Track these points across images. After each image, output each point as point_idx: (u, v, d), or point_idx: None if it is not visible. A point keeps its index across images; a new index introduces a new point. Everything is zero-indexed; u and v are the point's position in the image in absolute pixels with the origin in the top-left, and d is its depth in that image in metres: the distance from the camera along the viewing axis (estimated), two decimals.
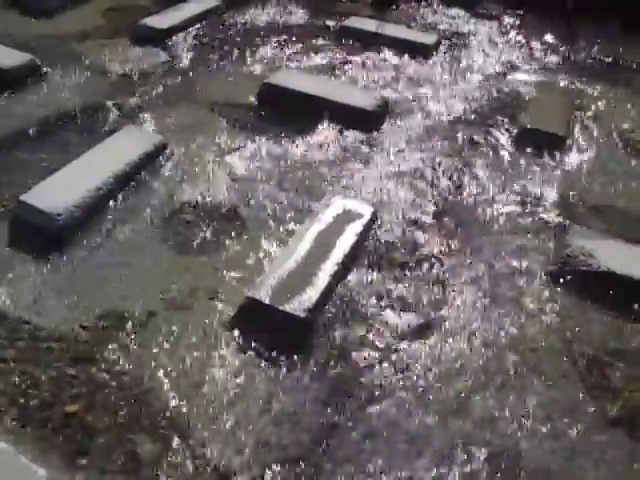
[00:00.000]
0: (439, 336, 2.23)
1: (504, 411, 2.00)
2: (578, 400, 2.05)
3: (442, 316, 2.31)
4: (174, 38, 4.15)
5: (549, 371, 2.14)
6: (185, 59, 3.95)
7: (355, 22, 4.50)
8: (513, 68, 4.15)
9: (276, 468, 1.79)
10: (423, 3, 5.00)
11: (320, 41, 4.30)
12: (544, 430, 1.95)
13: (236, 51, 4.09)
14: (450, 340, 2.22)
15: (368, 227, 2.59)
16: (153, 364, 2.05)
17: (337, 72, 3.93)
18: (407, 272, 2.48)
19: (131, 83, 3.63)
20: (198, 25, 4.35)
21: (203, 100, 3.54)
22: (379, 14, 4.75)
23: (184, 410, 1.93)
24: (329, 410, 1.96)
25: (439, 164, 3.15)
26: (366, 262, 2.50)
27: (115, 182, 2.71)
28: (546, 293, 2.44)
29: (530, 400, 2.04)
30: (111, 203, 2.68)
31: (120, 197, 2.72)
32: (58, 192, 2.57)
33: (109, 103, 3.41)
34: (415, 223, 2.74)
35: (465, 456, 1.86)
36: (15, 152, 2.99)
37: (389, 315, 2.30)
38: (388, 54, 4.14)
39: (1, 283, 2.29)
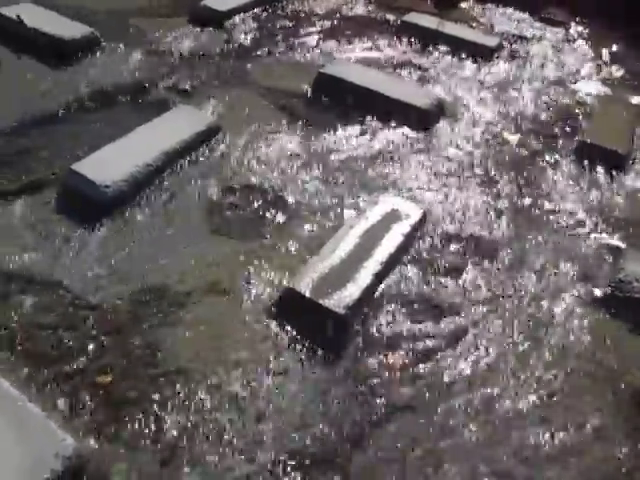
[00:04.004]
0: (475, 347, 2.16)
1: (541, 438, 1.92)
2: (617, 433, 1.95)
3: (480, 328, 2.24)
4: (233, 21, 4.14)
5: (590, 402, 2.04)
6: (242, 42, 3.93)
7: (415, 18, 4.41)
8: (577, 78, 4.00)
9: (299, 464, 1.76)
10: (487, 4, 4.86)
11: (379, 35, 4.23)
12: (579, 459, 1.86)
13: (293, 38, 4.06)
14: (486, 352, 2.15)
15: (416, 228, 2.52)
16: (188, 345, 2.05)
17: (394, 67, 3.86)
18: (451, 279, 2.41)
19: (187, 63, 3.64)
20: (258, 9, 4.33)
21: (257, 85, 3.52)
22: (441, 12, 4.63)
23: (215, 395, 1.91)
24: (359, 409, 1.92)
25: (492, 170, 3.05)
26: (411, 264, 2.44)
27: (165, 160, 2.71)
28: (594, 318, 2.33)
29: (569, 429, 1.95)
30: (159, 180, 2.69)
31: (169, 175, 2.73)
32: (109, 164, 2.58)
33: (164, 81, 3.42)
34: (465, 229, 2.65)
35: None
36: (69, 122, 3.02)
37: (428, 320, 2.23)
38: (447, 53, 4.04)
39: (46, 249, 2.33)
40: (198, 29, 4.01)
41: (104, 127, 2.98)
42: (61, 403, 1.83)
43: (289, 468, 1.75)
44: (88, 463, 1.68)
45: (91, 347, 2.01)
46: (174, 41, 3.83)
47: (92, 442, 1.75)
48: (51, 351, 1.98)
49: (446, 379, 2.04)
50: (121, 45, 3.70)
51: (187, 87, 3.39)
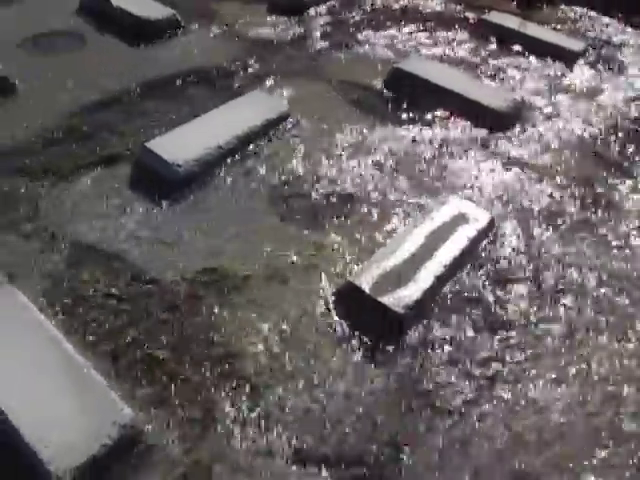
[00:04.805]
0: (537, 365, 2.08)
1: None
2: None
3: (542, 343, 2.15)
4: (310, 11, 4.15)
5: None
6: (317, 33, 3.92)
7: (496, 17, 4.26)
8: None
9: (337, 463, 1.75)
10: (574, 7, 4.64)
11: (456, 32, 4.12)
12: None
13: (368, 32, 4.01)
14: (548, 373, 2.06)
15: (482, 234, 2.44)
16: (243, 328, 2.06)
17: (470, 66, 3.75)
18: (514, 290, 2.32)
19: (263, 50, 3.66)
20: (335, 1, 4.30)
21: (329, 76, 3.50)
22: (523, 12, 4.46)
23: (265, 380, 1.92)
24: (405, 415, 1.89)
25: (563, 181, 2.91)
26: (474, 271, 2.36)
27: (236, 143, 2.75)
28: None
29: None
30: (229, 162, 2.72)
31: (238, 158, 2.75)
32: (181, 144, 2.64)
33: (240, 66, 3.46)
34: (534, 239, 2.55)
35: None
36: (145, 100, 3.11)
37: (487, 330, 2.16)
38: (527, 55, 3.89)
39: (115, 223, 2.40)
40: (276, 17, 4.04)
41: (179, 108, 3.05)
42: (120, 373, 1.89)
43: (327, 460, 1.76)
44: (142, 434, 1.72)
45: (150, 321, 2.06)
46: (252, 28, 3.87)
47: (147, 414, 1.79)
48: (113, 321, 2.04)
49: (499, 392, 1.98)
50: (201, 29, 3.78)
51: (261, 74, 3.41)
